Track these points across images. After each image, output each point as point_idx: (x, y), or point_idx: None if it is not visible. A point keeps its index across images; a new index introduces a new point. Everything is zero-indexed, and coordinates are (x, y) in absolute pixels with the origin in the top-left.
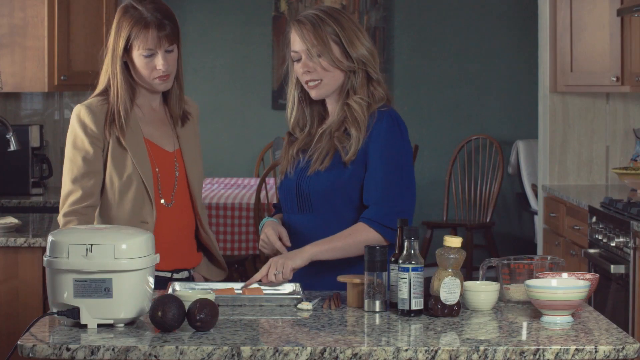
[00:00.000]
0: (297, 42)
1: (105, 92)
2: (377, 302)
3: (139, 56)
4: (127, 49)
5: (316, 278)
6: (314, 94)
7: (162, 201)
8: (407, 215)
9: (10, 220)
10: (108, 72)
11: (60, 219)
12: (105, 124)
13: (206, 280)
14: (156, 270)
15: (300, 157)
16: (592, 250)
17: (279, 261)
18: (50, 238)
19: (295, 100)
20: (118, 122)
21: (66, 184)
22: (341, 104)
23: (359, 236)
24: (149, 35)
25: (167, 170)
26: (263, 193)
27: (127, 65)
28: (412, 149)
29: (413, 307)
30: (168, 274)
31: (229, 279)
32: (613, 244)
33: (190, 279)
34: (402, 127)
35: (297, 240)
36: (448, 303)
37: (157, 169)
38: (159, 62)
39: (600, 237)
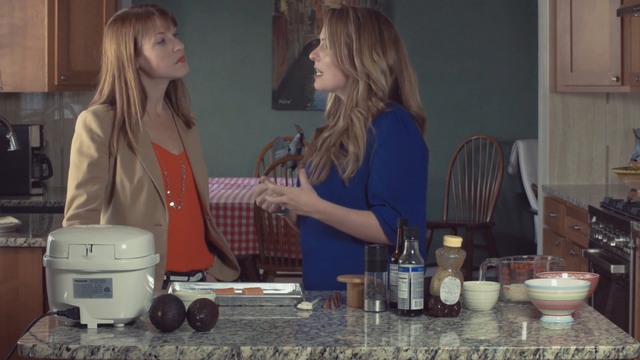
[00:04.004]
0: (323, 30)
1: (109, 102)
2: (377, 302)
3: (152, 49)
4: (137, 52)
5: (316, 278)
6: (315, 85)
7: (172, 204)
8: (418, 215)
9: (10, 220)
10: (111, 87)
11: (64, 223)
12: (113, 131)
13: (218, 282)
14: (174, 272)
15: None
16: (592, 250)
17: (291, 207)
18: (50, 238)
19: None
20: (130, 124)
21: (70, 190)
22: (346, 114)
23: (367, 230)
24: (156, 21)
25: (175, 173)
26: None
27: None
28: (424, 147)
29: (413, 307)
30: (185, 277)
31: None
32: (613, 244)
33: (203, 281)
34: (409, 126)
35: (310, 231)
36: (448, 303)
37: (165, 172)
38: (175, 43)
39: (600, 237)
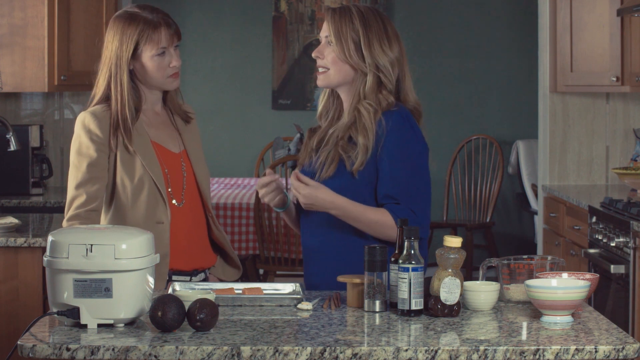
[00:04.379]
0: (324, 28)
1: (105, 100)
2: (377, 302)
3: (150, 58)
4: (135, 55)
5: (318, 278)
6: (319, 82)
7: (174, 201)
8: (427, 214)
9: (10, 220)
10: (107, 82)
11: (64, 223)
12: (110, 130)
13: (221, 281)
14: (176, 270)
15: (315, 154)
16: (592, 250)
17: (307, 205)
18: (50, 238)
19: (328, 89)
20: (124, 127)
21: (70, 190)
22: (352, 107)
23: (381, 228)
24: (162, 34)
25: (175, 171)
26: None
27: (131, 72)
28: (426, 146)
29: (413, 307)
30: (187, 277)
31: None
32: (613, 244)
33: (206, 281)
34: (412, 124)
35: (312, 231)
36: (448, 303)
37: (166, 170)
38: (173, 59)
39: (600, 237)
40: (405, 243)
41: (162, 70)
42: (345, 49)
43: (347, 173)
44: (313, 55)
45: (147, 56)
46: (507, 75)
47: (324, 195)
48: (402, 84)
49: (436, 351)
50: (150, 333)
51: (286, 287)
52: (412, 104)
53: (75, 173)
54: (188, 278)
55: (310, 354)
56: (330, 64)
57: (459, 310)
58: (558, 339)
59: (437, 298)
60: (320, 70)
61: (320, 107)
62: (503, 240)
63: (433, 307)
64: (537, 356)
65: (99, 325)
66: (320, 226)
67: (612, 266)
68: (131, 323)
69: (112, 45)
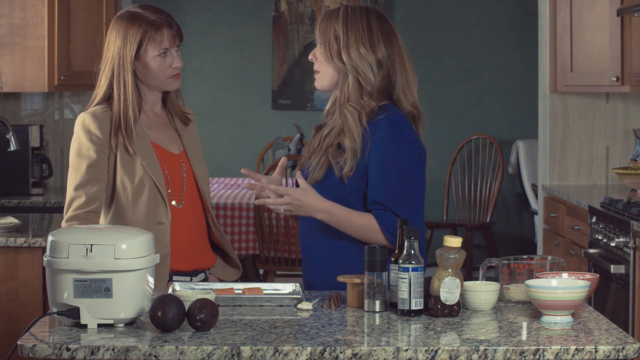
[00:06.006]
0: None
1: (106, 100)
2: (377, 302)
3: (153, 58)
4: (137, 56)
5: (316, 277)
6: (315, 84)
7: (174, 202)
8: (417, 219)
9: (10, 220)
10: (109, 81)
11: (63, 224)
12: (111, 131)
13: (221, 282)
14: (177, 271)
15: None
16: (592, 250)
17: (294, 207)
18: (50, 238)
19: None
20: (125, 128)
21: (69, 191)
22: (341, 111)
23: (369, 233)
24: (164, 35)
25: (175, 172)
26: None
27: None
28: (420, 149)
29: (413, 307)
30: (188, 278)
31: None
32: (613, 244)
33: (206, 281)
34: (404, 129)
35: (309, 231)
36: (448, 303)
37: (166, 171)
38: (175, 59)
39: (600, 237)
40: (405, 243)
41: (163, 70)
42: (328, 51)
43: (335, 178)
44: (309, 58)
45: (150, 57)
46: (507, 75)
47: (310, 199)
48: (395, 84)
49: (436, 351)
50: (150, 333)
51: (286, 287)
52: (407, 106)
53: (74, 174)
54: (188, 278)
55: (310, 354)
56: (320, 66)
57: (459, 310)
58: (558, 339)
59: (437, 298)
60: (315, 74)
61: (328, 106)
62: (503, 240)
63: (433, 307)
64: (537, 356)
65: (99, 325)
66: (317, 225)
67: (612, 266)
68: (131, 323)
69: (115, 45)
